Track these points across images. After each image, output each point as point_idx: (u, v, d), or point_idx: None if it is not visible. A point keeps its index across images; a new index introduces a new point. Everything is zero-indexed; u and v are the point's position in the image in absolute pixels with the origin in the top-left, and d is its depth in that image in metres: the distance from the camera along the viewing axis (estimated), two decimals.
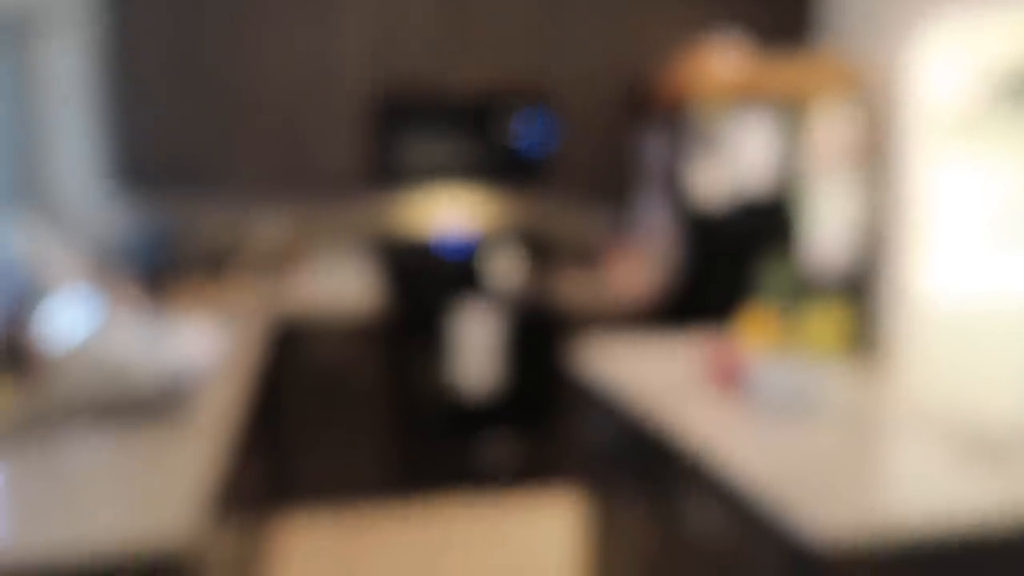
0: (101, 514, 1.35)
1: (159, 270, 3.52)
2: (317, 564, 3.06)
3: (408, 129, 3.52)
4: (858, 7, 3.65)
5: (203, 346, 2.43)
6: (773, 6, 3.80)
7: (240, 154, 3.47)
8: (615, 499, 2.28)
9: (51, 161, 3.57)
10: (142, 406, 1.84)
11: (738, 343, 2.09)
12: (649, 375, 2.24)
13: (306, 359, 3.36)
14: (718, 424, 1.81)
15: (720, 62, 3.35)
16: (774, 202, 3.39)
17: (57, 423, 1.79)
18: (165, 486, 1.46)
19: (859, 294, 3.50)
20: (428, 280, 3.81)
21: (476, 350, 3.48)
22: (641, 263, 3.70)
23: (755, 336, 2.05)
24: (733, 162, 3.33)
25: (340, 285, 3.69)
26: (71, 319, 2.03)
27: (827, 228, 3.43)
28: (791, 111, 3.35)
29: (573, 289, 3.64)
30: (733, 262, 3.39)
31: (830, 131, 3.38)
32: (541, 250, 3.96)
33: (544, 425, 3.62)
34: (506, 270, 3.77)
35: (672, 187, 3.44)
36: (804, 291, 2.10)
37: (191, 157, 3.44)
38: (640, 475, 2.07)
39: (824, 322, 2.09)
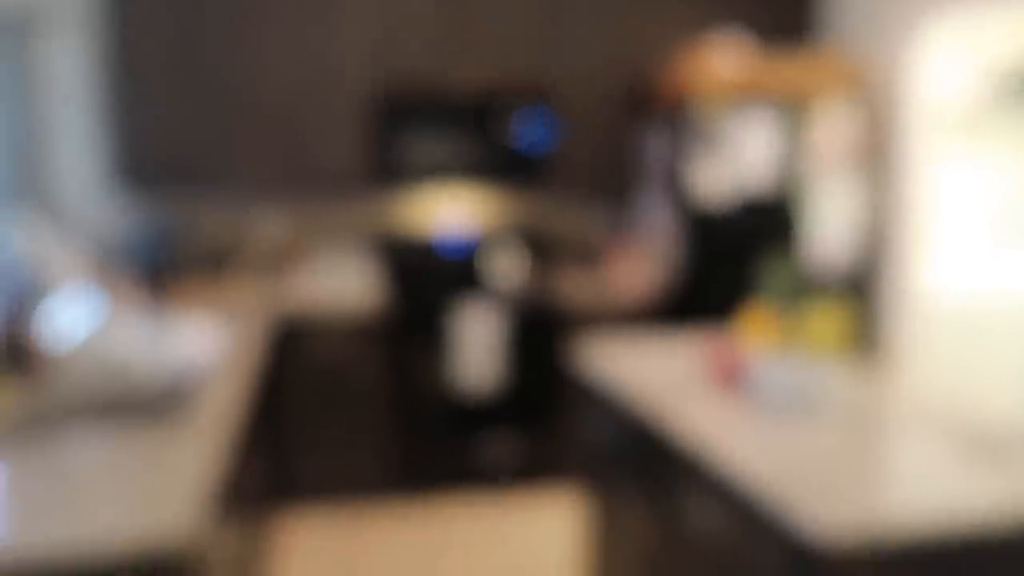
0: (102, 513, 1.35)
1: (160, 269, 3.52)
2: (318, 563, 3.06)
3: (409, 128, 3.52)
4: (860, 6, 3.64)
5: (204, 345, 2.43)
6: (774, 5, 3.80)
7: (241, 153, 3.47)
8: (616, 498, 2.28)
9: (52, 160, 3.57)
10: (143, 405, 1.84)
11: (739, 342, 2.09)
12: (650, 374, 2.23)
13: (307, 358, 3.36)
14: (719, 423, 1.81)
15: (721, 61, 3.35)
16: (775, 201, 3.39)
17: (58, 422, 1.79)
18: (166, 485, 1.46)
19: (861, 293, 3.50)
20: (429, 279, 3.80)
21: (477, 349, 3.48)
22: (642, 262, 3.70)
23: (756, 335, 2.05)
24: (734, 161, 3.33)
25: (341, 284, 3.69)
26: (72, 318, 2.03)
27: (828, 227, 3.43)
28: (792, 110, 3.35)
29: (574, 288, 3.64)
30: (734, 261, 3.38)
31: (831, 130, 3.38)
32: (542, 249, 3.95)
33: (545, 424, 3.62)
34: (507, 269, 3.77)
35: (673, 186, 3.43)
36: (805, 290, 2.09)
37: (192, 156, 3.44)
38: (641, 474, 2.07)
39: (825, 321, 2.09)
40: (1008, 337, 2.94)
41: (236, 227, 3.78)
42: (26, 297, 2.10)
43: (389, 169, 3.51)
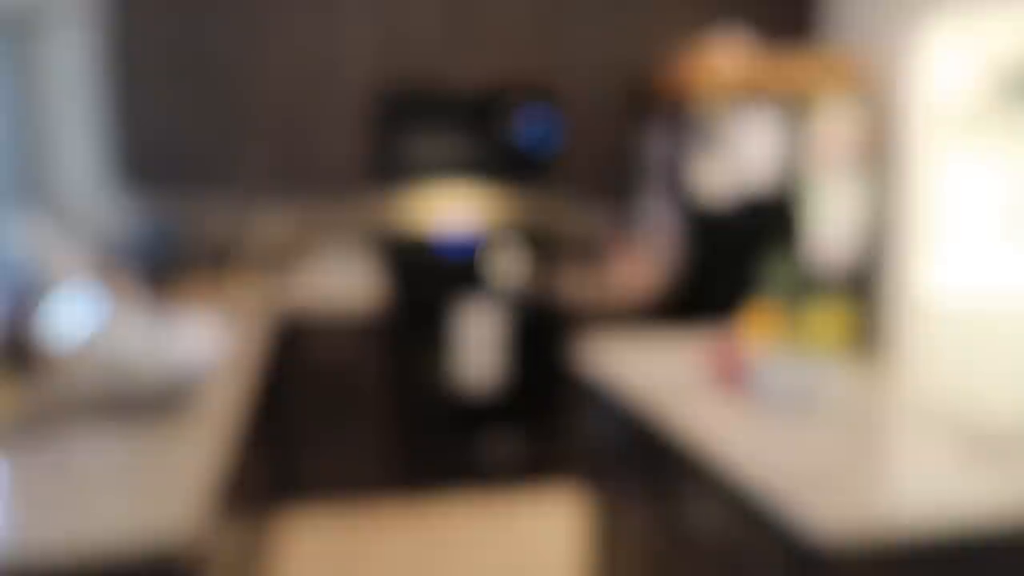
0: (104, 511, 1.35)
1: (162, 267, 3.53)
2: (320, 560, 3.07)
3: (411, 126, 3.52)
4: (862, 3, 3.64)
5: (206, 343, 2.43)
6: (776, 3, 3.79)
7: (243, 151, 3.47)
8: (618, 496, 2.28)
9: (55, 159, 3.57)
10: (145, 403, 1.84)
11: (741, 340, 2.08)
12: (652, 372, 2.23)
13: (309, 356, 3.36)
14: (721, 421, 1.81)
15: (723, 58, 3.34)
16: (777, 199, 3.39)
17: (61, 420, 1.80)
18: (168, 483, 1.46)
19: (862, 291, 3.49)
20: (431, 277, 3.80)
21: (479, 347, 3.48)
22: (644, 260, 3.70)
23: (758, 333, 2.05)
24: (736, 159, 3.33)
25: (343, 281, 3.69)
26: (74, 317, 2.04)
27: (830, 225, 3.42)
28: (795, 108, 3.34)
29: (575, 286, 3.64)
30: (736, 259, 3.38)
31: (833, 128, 3.38)
32: (544, 247, 3.95)
33: (547, 422, 3.62)
34: (509, 267, 3.77)
35: (675, 184, 3.43)
36: (808, 288, 2.09)
37: (193, 154, 3.44)
38: (643, 472, 2.07)
39: (828, 319, 2.09)
40: (1010, 335, 2.93)
41: (237, 225, 3.78)
42: (29, 296, 2.11)
43: (391, 167, 3.51)
